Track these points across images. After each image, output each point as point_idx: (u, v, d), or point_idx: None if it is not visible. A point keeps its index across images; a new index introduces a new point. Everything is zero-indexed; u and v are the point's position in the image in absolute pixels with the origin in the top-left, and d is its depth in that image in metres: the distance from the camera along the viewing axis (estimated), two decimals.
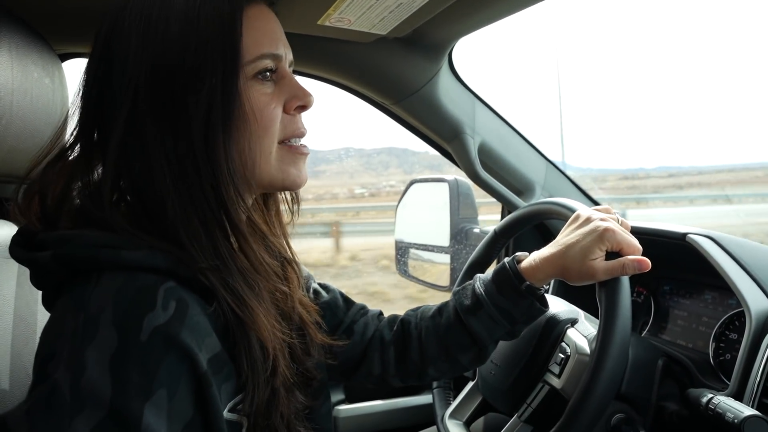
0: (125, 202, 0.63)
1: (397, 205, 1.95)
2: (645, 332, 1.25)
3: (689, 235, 1.03)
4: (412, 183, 1.94)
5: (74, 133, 0.64)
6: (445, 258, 1.78)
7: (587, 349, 0.89)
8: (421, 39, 1.15)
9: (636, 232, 0.86)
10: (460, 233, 1.75)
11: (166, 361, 0.52)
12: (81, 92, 0.64)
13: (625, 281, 0.81)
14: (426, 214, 1.88)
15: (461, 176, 1.70)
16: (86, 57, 1.20)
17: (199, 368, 0.54)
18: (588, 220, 0.84)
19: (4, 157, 0.72)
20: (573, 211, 0.89)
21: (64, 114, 0.90)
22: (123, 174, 0.61)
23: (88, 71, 0.63)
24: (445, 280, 1.78)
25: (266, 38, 0.65)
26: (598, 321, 0.99)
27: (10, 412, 0.48)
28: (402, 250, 1.93)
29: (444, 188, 1.76)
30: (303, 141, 0.72)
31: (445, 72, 1.28)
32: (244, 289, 0.61)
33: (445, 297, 0.98)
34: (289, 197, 0.80)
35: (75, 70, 1.21)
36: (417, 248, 1.91)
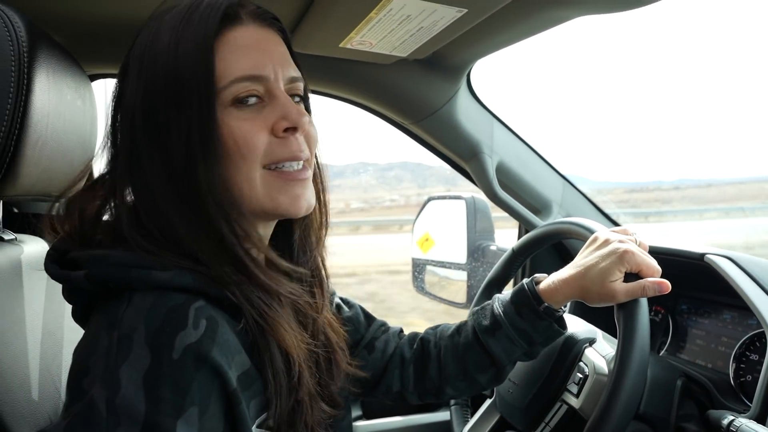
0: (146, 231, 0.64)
1: (414, 222, 1.96)
2: (663, 352, 1.24)
3: (707, 256, 1.03)
4: (429, 200, 1.95)
5: (109, 158, 0.67)
6: (462, 275, 1.78)
7: (606, 369, 0.89)
8: (440, 60, 1.18)
9: (653, 252, 0.87)
10: (477, 250, 1.76)
11: (198, 378, 0.53)
12: (110, 119, 0.67)
13: (644, 302, 0.81)
14: (443, 231, 1.89)
15: (478, 193, 1.72)
16: (112, 78, 1.26)
17: (229, 386, 0.56)
18: (607, 242, 0.84)
19: (38, 176, 0.75)
20: (592, 232, 0.90)
21: (93, 133, 0.93)
22: (136, 199, 0.64)
23: (112, 102, 0.67)
24: (461, 297, 1.79)
25: (244, 61, 0.63)
26: (615, 341, 1.00)
27: (50, 428, 0.50)
28: (419, 266, 1.94)
29: (461, 205, 1.77)
30: (296, 165, 0.67)
31: (463, 92, 1.30)
32: (265, 300, 0.63)
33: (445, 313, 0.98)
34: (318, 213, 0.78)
35: (101, 89, 1.25)
36: (434, 265, 1.92)
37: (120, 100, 0.65)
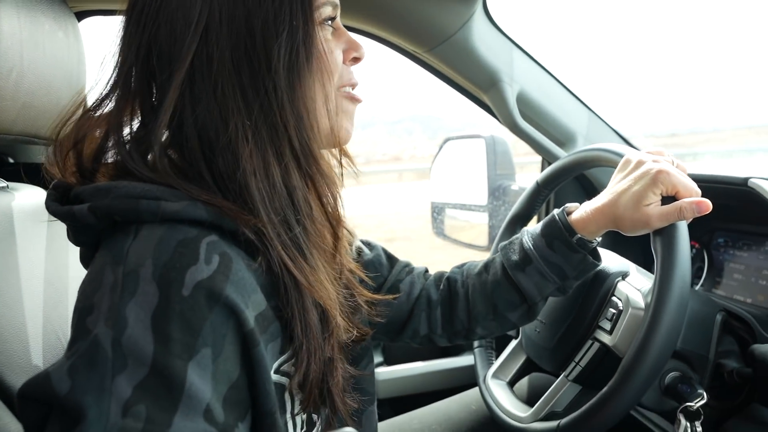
0: (176, 154, 0.59)
1: (432, 165, 1.90)
2: (698, 287, 1.18)
3: (751, 180, 0.95)
4: (446, 141, 1.88)
5: (110, 84, 0.59)
6: (483, 217, 1.72)
7: (641, 303, 0.83)
8: None
9: (695, 179, 0.79)
10: (497, 190, 1.70)
11: (210, 318, 0.48)
12: (123, 32, 0.59)
13: (683, 227, 0.74)
14: (461, 172, 1.82)
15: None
16: (104, 15, 1.19)
17: (246, 326, 0.51)
18: (639, 164, 0.77)
19: (18, 112, 0.69)
20: (622, 156, 0.82)
21: (81, 71, 0.87)
22: (184, 121, 0.57)
23: (133, 7, 0.58)
24: (483, 240, 1.74)
25: None
26: (650, 274, 0.94)
27: (54, 367, 0.46)
28: (437, 210, 1.89)
29: (480, 145, 1.70)
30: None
31: (479, 16, 1.20)
32: (308, 245, 0.58)
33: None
34: (337, 153, 0.73)
35: (92, 29, 1.18)
36: (453, 208, 1.86)
37: (168, 8, 0.56)
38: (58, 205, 0.57)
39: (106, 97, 0.60)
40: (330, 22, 0.64)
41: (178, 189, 0.54)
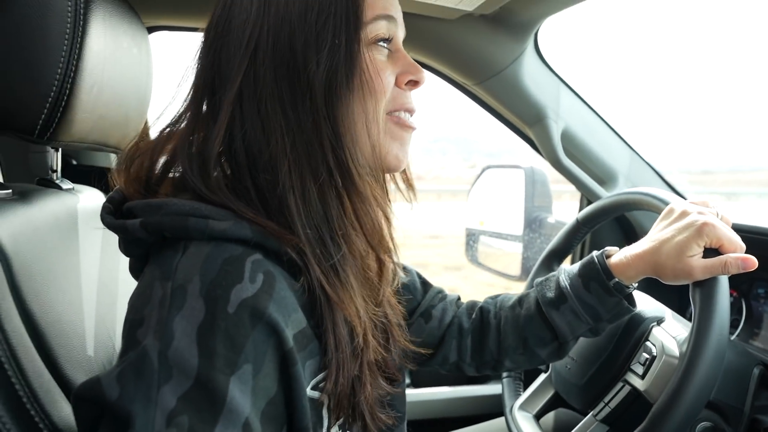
0: (229, 170, 0.61)
1: (470, 191, 1.91)
2: (734, 337, 1.16)
3: None
4: (485, 169, 1.90)
5: (187, 100, 0.63)
6: (517, 247, 1.73)
7: (676, 351, 0.83)
8: (507, 17, 1.11)
9: (737, 229, 0.79)
10: (534, 222, 1.70)
11: (253, 335, 0.50)
12: (198, 56, 0.63)
13: (724, 281, 0.74)
14: (499, 201, 1.83)
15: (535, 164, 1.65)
16: (171, 30, 1.25)
17: (285, 344, 0.53)
18: (684, 214, 0.77)
19: (94, 124, 0.74)
20: (666, 203, 0.83)
21: (149, 85, 0.92)
22: (234, 137, 0.59)
23: (207, 33, 0.63)
24: (515, 269, 1.74)
25: (383, 1, 0.63)
26: (686, 321, 0.94)
27: (105, 374, 0.49)
28: (473, 236, 1.90)
29: (519, 175, 1.71)
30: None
31: (530, 53, 1.22)
32: (342, 263, 0.59)
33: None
34: (400, 180, 0.74)
35: (160, 42, 1.24)
36: (488, 235, 1.87)
37: (229, 26, 0.60)
38: (112, 218, 0.60)
39: (181, 116, 0.63)
40: (385, 43, 0.64)
41: (228, 207, 0.56)
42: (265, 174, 0.58)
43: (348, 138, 0.59)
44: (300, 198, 0.57)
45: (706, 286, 0.74)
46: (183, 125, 0.63)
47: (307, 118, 0.58)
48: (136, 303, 0.54)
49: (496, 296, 0.94)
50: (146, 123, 0.73)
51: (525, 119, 1.30)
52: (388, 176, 0.73)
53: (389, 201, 0.73)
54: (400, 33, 0.67)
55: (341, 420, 0.64)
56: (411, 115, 0.68)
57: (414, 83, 0.67)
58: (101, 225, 0.62)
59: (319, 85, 0.58)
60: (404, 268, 0.93)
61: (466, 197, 1.95)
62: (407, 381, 1.57)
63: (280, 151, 0.57)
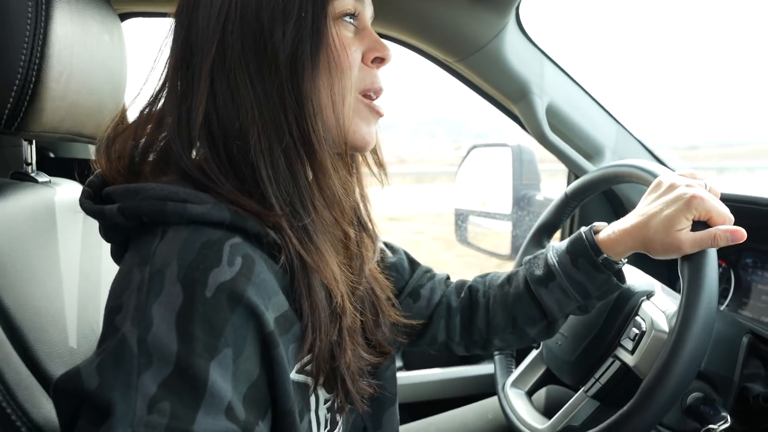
0: (207, 142, 0.61)
1: (457, 171, 1.90)
2: (723, 307, 1.17)
3: None
4: (472, 148, 1.89)
5: (161, 78, 0.63)
6: (506, 225, 1.73)
7: (665, 327, 0.83)
8: None
9: (725, 199, 0.79)
10: (522, 200, 1.70)
11: (232, 319, 0.50)
12: (170, 32, 0.62)
13: (713, 254, 0.74)
14: (487, 180, 1.83)
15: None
16: (146, 17, 1.22)
17: (266, 327, 0.52)
18: (672, 187, 0.76)
19: (66, 112, 0.72)
20: (655, 175, 0.82)
21: (123, 72, 0.89)
22: (209, 108, 0.59)
23: (177, 13, 0.62)
24: (505, 248, 1.74)
25: None
26: (675, 294, 0.93)
27: (84, 364, 0.48)
28: (461, 216, 1.89)
29: (506, 153, 1.70)
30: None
31: (512, 27, 1.20)
32: (314, 229, 0.60)
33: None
34: (371, 161, 0.74)
35: (134, 30, 1.21)
36: (477, 215, 1.87)
37: (198, 3, 0.60)
38: (91, 203, 0.60)
39: (158, 95, 0.63)
40: (351, 18, 0.64)
41: (208, 184, 0.56)
42: (237, 141, 0.58)
43: (310, 110, 0.59)
44: (269, 165, 0.58)
45: (695, 259, 0.74)
46: (161, 103, 0.62)
47: (273, 89, 0.58)
48: (116, 289, 0.53)
49: (485, 275, 0.93)
50: (123, 106, 0.71)
51: (509, 95, 1.29)
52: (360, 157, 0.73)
53: (358, 178, 0.73)
54: (368, 11, 0.67)
55: (329, 402, 0.64)
56: (378, 96, 0.67)
57: (380, 60, 0.66)
58: (81, 215, 0.60)
59: (284, 58, 0.58)
60: (391, 248, 0.93)
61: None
62: (399, 364, 1.57)
63: (249, 120, 0.58)
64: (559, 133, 1.33)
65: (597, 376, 0.89)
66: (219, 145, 0.59)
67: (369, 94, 0.66)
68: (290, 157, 0.59)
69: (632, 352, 0.85)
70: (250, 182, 0.58)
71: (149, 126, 0.62)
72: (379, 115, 0.67)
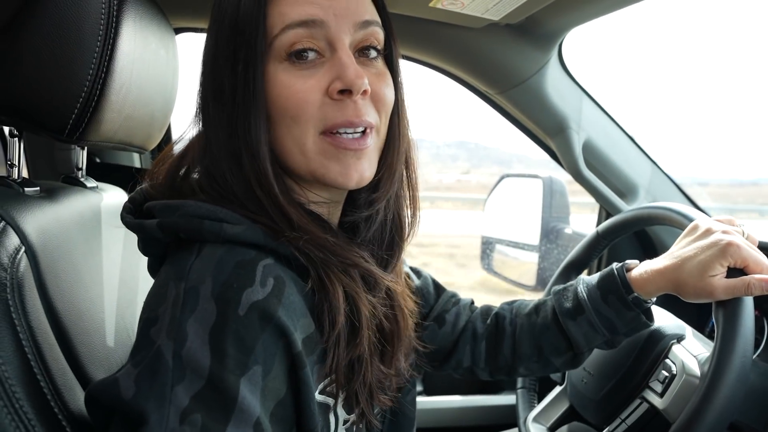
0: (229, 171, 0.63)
1: (487, 199, 1.91)
2: (755, 357, 1.15)
3: None
4: (503, 177, 1.89)
5: (195, 111, 0.66)
6: (533, 256, 1.72)
7: (697, 371, 0.82)
8: (533, 27, 1.10)
9: (763, 247, 0.78)
10: (551, 232, 1.69)
11: (262, 337, 0.52)
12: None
13: (749, 302, 0.73)
14: (516, 210, 1.82)
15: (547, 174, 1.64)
16: (198, 32, 1.26)
17: (294, 348, 0.54)
18: (708, 232, 0.76)
19: (121, 124, 0.75)
20: (691, 220, 0.82)
21: (174, 85, 0.93)
22: (205, 154, 0.63)
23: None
24: (530, 279, 1.73)
25: (300, 6, 0.57)
26: (706, 339, 0.92)
27: (121, 373, 0.50)
28: (488, 244, 1.89)
29: (537, 185, 1.70)
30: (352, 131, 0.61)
31: (554, 63, 1.22)
32: (324, 257, 0.60)
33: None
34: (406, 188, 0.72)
35: (186, 44, 1.25)
36: (504, 244, 1.86)
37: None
38: (131, 218, 0.63)
39: (194, 119, 0.66)
40: (307, 53, 0.58)
41: (241, 209, 0.58)
42: (228, 171, 0.61)
43: (263, 154, 0.59)
44: (263, 195, 0.59)
45: (730, 306, 0.73)
46: (195, 131, 0.66)
47: (233, 142, 0.59)
48: (151, 302, 0.55)
49: (512, 302, 0.94)
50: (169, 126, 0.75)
51: (547, 129, 1.29)
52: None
53: None
54: (341, 34, 0.59)
55: (347, 423, 0.65)
56: (352, 128, 0.60)
57: (347, 92, 0.58)
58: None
59: (232, 101, 0.59)
60: (417, 272, 0.94)
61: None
62: (419, 388, 1.56)
63: (230, 178, 0.60)
64: (594, 169, 1.33)
65: (623, 416, 0.88)
66: (236, 171, 0.61)
67: (336, 131, 0.60)
68: (279, 201, 0.60)
69: (661, 395, 0.84)
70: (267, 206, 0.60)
71: (193, 149, 0.65)
72: (347, 149, 0.60)
